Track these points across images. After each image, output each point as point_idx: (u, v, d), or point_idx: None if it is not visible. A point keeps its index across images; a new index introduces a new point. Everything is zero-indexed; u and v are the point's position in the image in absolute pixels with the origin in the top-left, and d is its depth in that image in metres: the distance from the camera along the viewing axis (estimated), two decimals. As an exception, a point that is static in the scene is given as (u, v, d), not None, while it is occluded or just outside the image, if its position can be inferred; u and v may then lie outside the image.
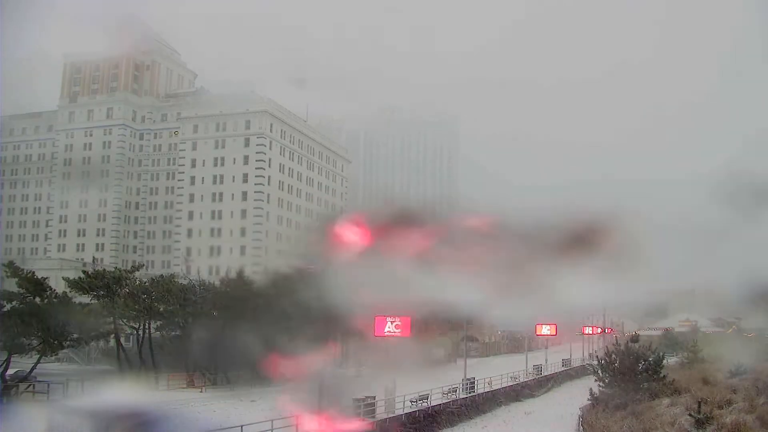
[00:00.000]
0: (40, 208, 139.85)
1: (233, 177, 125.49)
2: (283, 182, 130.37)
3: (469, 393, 46.35)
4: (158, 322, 53.83)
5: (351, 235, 28.16)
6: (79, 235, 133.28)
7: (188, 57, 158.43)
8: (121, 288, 49.52)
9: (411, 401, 39.08)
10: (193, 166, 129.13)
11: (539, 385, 62.33)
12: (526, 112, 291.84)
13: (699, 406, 28.75)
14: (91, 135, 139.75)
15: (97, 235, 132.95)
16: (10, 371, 42.94)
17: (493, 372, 55.15)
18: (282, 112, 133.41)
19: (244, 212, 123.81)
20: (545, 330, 77.69)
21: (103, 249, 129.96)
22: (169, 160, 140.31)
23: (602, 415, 35.62)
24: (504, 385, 53.55)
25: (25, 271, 43.61)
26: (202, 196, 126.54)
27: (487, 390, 49.38)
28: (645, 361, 39.14)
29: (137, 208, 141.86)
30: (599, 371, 40.85)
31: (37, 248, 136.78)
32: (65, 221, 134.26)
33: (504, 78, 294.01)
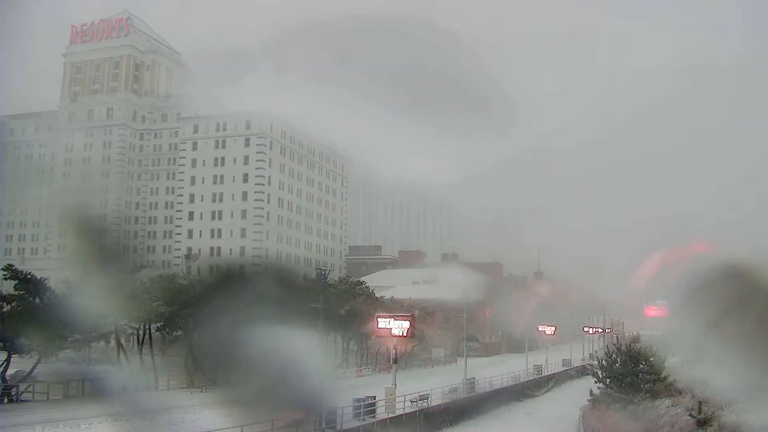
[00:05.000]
0: (40, 207, 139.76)
1: (233, 177, 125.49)
2: (283, 182, 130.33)
3: (470, 393, 46.35)
4: (159, 323, 53.79)
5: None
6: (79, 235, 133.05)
7: (188, 57, 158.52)
8: (122, 288, 49.37)
9: (411, 401, 39.06)
10: (194, 166, 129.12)
11: (539, 385, 62.40)
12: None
13: (700, 407, 28.74)
14: (91, 135, 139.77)
15: (98, 234, 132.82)
16: (11, 371, 42.89)
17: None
18: (282, 111, 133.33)
19: (244, 212, 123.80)
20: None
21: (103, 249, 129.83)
22: (169, 160, 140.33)
23: (602, 416, 35.61)
24: (504, 384, 53.56)
25: (23, 272, 43.48)
26: (202, 196, 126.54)
27: (487, 390, 49.38)
28: (646, 361, 39.09)
29: (137, 208, 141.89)
30: (599, 372, 40.78)
31: (37, 248, 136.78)
32: (65, 221, 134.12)
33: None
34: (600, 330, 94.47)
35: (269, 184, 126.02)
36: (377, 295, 75.10)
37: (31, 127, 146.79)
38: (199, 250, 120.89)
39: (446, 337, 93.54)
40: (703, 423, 27.67)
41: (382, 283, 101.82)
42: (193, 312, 51.84)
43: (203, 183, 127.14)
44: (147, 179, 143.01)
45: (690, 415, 29.29)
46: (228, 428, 27.03)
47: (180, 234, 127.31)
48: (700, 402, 29.80)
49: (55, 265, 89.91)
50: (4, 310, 41.56)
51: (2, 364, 41.67)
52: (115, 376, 49.82)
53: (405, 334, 38.97)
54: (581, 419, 38.38)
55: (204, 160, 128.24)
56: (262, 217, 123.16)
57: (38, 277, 43.84)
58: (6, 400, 39.71)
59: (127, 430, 32.14)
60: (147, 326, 53.21)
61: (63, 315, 43.11)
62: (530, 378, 61.70)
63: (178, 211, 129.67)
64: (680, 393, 37.57)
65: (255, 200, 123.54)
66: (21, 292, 42.60)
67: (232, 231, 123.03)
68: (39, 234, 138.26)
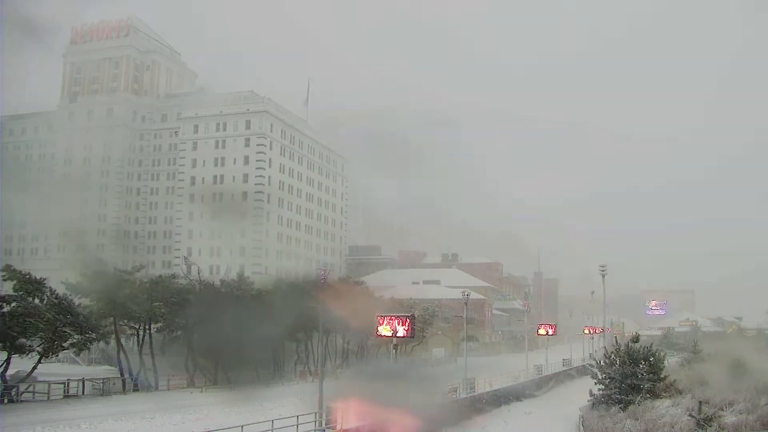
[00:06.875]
0: (40, 207, 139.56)
1: (233, 177, 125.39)
2: (283, 182, 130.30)
3: (470, 393, 46.30)
4: (159, 323, 53.82)
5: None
6: (79, 235, 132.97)
7: (188, 57, 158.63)
8: (122, 289, 49.40)
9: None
10: (194, 166, 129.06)
11: (539, 385, 62.32)
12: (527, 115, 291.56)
13: (700, 407, 28.73)
14: (91, 135, 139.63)
15: (98, 235, 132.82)
16: (11, 371, 42.87)
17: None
18: (282, 112, 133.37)
19: (244, 212, 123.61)
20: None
21: (103, 249, 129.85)
22: (169, 160, 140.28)
23: (602, 416, 35.58)
24: (504, 384, 53.50)
25: (22, 272, 43.43)
26: (202, 196, 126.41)
27: (487, 390, 49.30)
28: (645, 361, 39.03)
29: (137, 208, 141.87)
30: (598, 373, 40.69)
31: (37, 248, 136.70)
32: (66, 221, 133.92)
33: (507, 77, 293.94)
34: (600, 329, 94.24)
35: (269, 184, 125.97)
36: (377, 295, 75.01)
37: (31, 127, 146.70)
38: (199, 250, 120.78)
39: (446, 337, 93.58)
40: (703, 423, 27.66)
41: (382, 283, 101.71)
42: (193, 312, 51.97)
43: (203, 183, 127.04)
44: (147, 179, 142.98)
45: (690, 415, 29.28)
46: (228, 428, 27.01)
47: (180, 234, 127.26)
48: (700, 402, 29.82)
49: (55, 266, 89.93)
50: (4, 310, 41.49)
51: (2, 364, 41.64)
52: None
53: (405, 334, 38.92)
54: (581, 419, 38.32)
55: (204, 161, 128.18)
56: (262, 218, 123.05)
57: (38, 278, 43.78)
58: (6, 400, 39.70)
59: (128, 430, 32.18)
60: (147, 326, 53.22)
61: (63, 315, 43.16)
62: (530, 378, 61.64)
63: (178, 212, 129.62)
64: (680, 393, 37.59)
65: (255, 200, 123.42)
66: (20, 293, 42.55)
67: (231, 231, 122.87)
68: (39, 234, 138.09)
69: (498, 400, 49.31)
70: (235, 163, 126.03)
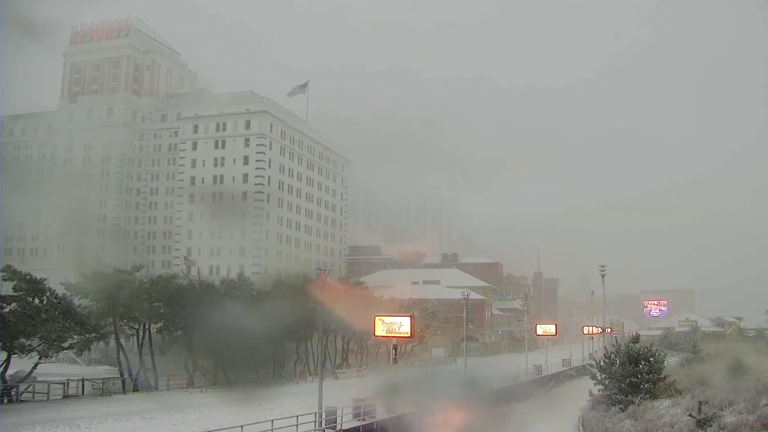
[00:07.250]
0: (40, 208, 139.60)
1: (233, 177, 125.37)
2: (283, 182, 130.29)
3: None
4: (159, 324, 53.79)
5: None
6: (79, 235, 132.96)
7: (188, 57, 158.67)
8: (122, 289, 49.34)
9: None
10: (193, 166, 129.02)
11: (539, 385, 62.31)
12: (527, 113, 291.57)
13: (700, 407, 28.73)
14: (91, 135, 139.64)
15: (98, 235, 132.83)
16: (10, 371, 42.83)
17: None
18: (282, 112, 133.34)
19: (244, 213, 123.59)
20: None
21: (103, 249, 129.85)
22: (169, 160, 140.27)
23: (602, 416, 35.60)
24: (504, 385, 53.47)
25: (22, 272, 43.36)
26: (202, 196, 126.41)
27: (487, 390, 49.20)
28: (645, 361, 39.04)
29: (137, 208, 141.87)
30: (598, 374, 40.70)
31: (37, 248, 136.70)
32: (66, 221, 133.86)
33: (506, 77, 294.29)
34: (600, 330, 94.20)
35: (269, 184, 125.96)
36: (377, 295, 74.99)
37: (31, 127, 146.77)
38: (199, 250, 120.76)
39: (446, 337, 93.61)
40: (703, 423, 27.66)
41: (382, 283, 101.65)
42: (193, 312, 51.94)
43: (203, 183, 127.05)
44: (147, 179, 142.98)
45: (690, 415, 29.29)
46: (228, 428, 27.01)
47: (180, 234, 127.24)
48: (700, 402, 29.82)
49: (56, 266, 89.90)
50: (5, 310, 41.45)
51: (2, 364, 41.60)
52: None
53: (405, 335, 38.97)
54: (581, 419, 38.34)
55: (204, 160, 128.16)
56: (262, 218, 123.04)
57: (37, 278, 43.73)
58: (6, 400, 39.68)
59: (128, 430, 32.15)
60: (147, 326, 53.19)
61: (62, 315, 43.13)
62: (530, 378, 61.63)
63: (178, 212, 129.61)
64: (680, 393, 37.61)
65: (255, 200, 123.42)
66: (20, 293, 42.49)
67: (231, 232, 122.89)
68: (39, 234, 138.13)
69: (497, 400, 49.26)
70: (234, 163, 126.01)
